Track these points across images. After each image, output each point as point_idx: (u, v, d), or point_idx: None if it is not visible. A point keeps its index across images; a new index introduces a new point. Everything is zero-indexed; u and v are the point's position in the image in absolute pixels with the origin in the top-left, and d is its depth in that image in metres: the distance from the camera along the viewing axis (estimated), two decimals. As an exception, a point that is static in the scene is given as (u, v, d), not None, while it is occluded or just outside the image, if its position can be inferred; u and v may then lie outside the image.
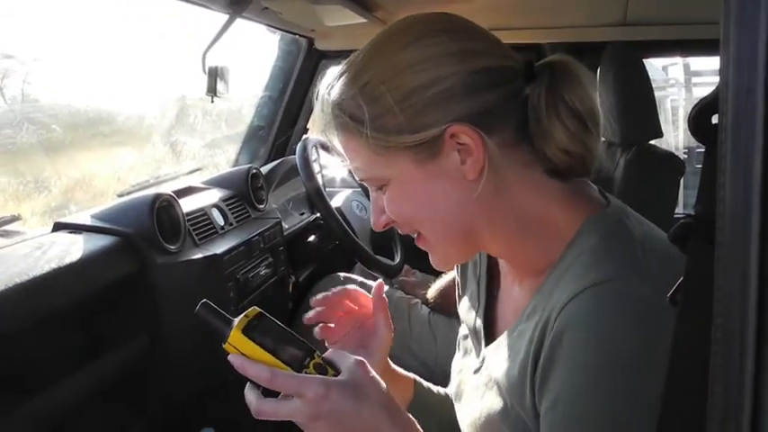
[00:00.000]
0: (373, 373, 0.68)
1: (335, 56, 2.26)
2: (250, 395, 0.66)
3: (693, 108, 0.37)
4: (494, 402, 0.72)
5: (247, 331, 0.67)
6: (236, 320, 0.68)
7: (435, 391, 0.96)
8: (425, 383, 0.95)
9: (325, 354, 0.70)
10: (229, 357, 0.67)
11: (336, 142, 0.73)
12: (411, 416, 0.70)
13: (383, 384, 0.68)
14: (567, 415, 0.62)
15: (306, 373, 0.66)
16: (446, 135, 0.67)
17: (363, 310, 0.86)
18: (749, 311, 0.29)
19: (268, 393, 0.66)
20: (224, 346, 0.68)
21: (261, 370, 0.65)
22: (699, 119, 0.37)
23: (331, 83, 0.72)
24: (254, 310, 0.70)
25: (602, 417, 0.61)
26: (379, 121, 0.68)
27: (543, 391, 0.64)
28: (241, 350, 0.67)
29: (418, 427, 0.70)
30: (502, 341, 0.75)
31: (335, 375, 0.67)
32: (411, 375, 0.94)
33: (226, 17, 1.60)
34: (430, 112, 0.67)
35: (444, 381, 0.96)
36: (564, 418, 0.62)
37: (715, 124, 0.35)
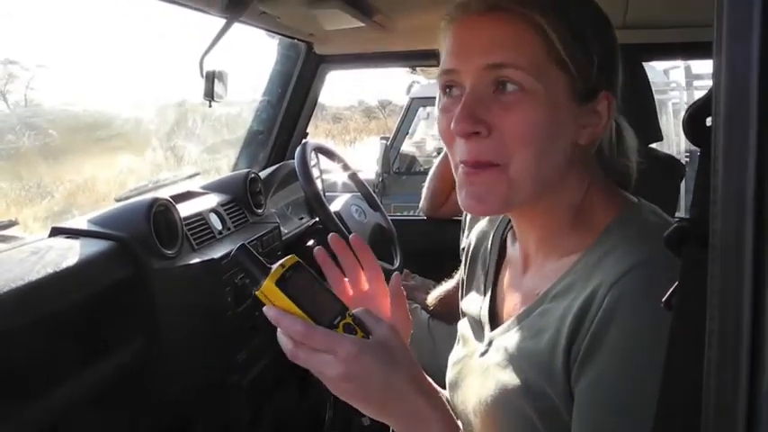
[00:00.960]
0: (403, 339, 0.69)
1: (335, 60, 2.25)
2: (284, 339, 0.66)
3: (687, 110, 0.36)
4: (510, 379, 0.73)
5: (280, 283, 0.66)
6: (273, 268, 0.67)
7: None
8: (437, 387, 0.96)
9: (356, 311, 0.69)
10: (264, 309, 0.67)
11: (512, 19, 0.69)
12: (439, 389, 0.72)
13: (412, 354, 0.69)
14: (605, 396, 0.63)
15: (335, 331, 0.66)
16: (604, 94, 0.72)
17: (374, 285, 0.84)
18: (743, 316, 0.28)
19: None
20: (256, 293, 0.67)
21: (295, 323, 0.64)
22: (693, 121, 0.36)
23: None
24: (291, 258, 0.69)
25: (638, 400, 0.61)
26: (580, 39, 0.70)
27: (586, 365, 0.65)
28: (272, 300, 0.66)
29: (444, 401, 0.70)
30: (514, 323, 0.76)
31: (365, 337, 0.67)
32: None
33: (223, 21, 1.59)
34: (612, 68, 0.74)
35: (443, 384, 0.95)
36: (602, 398, 0.63)
37: (709, 126, 0.34)
